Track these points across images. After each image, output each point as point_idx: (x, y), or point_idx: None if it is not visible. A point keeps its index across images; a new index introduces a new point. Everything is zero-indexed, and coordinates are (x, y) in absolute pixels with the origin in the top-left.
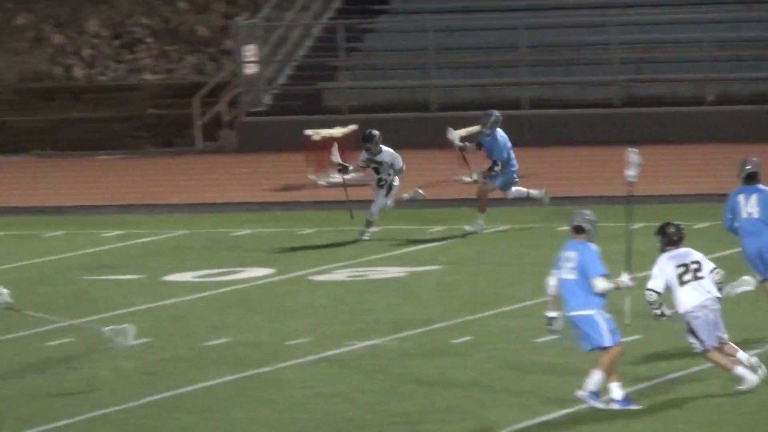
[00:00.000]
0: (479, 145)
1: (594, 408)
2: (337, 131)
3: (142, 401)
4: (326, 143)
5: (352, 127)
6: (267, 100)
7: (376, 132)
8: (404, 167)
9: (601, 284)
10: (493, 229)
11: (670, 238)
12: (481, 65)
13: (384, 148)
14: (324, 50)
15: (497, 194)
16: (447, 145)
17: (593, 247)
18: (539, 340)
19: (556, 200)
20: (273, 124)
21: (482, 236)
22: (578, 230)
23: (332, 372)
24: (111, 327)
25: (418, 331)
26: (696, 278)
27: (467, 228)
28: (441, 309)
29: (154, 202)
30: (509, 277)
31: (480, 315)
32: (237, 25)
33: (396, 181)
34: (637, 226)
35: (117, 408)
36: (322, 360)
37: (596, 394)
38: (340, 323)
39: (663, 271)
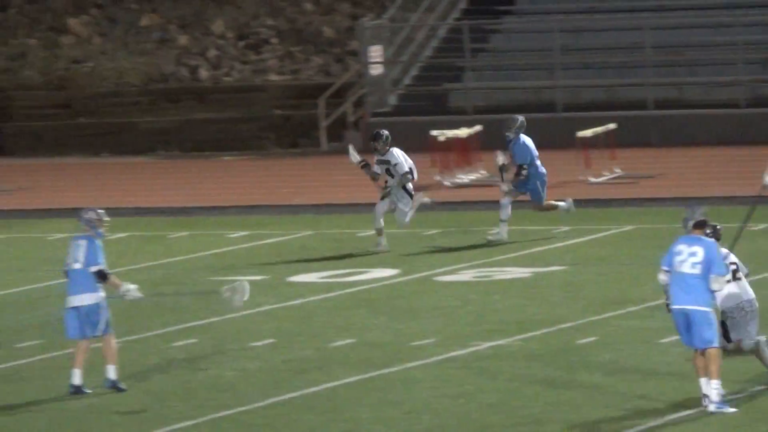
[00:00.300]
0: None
1: (720, 411)
2: (463, 132)
3: (267, 402)
4: (451, 144)
5: (478, 128)
6: (392, 100)
7: (385, 132)
8: (413, 173)
9: (719, 283)
10: (618, 230)
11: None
12: (606, 66)
13: (394, 150)
14: (449, 51)
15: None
16: (572, 145)
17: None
18: (663, 340)
19: (682, 201)
20: (398, 125)
21: (608, 237)
22: (701, 225)
23: (457, 372)
24: (228, 286)
25: (543, 331)
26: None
27: (489, 236)
28: (566, 309)
29: (279, 203)
30: (634, 277)
31: (605, 315)
32: (363, 26)
33: (410, 187)
34: (761, 227)
35: (242, 409)
36: (446, 360)
37: (723, 402)
38: (465, 324)
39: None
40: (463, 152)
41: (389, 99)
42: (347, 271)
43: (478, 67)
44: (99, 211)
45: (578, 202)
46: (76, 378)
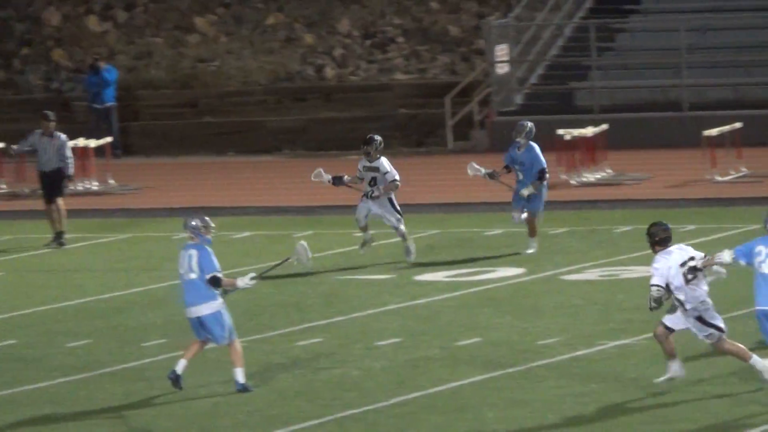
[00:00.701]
0: (510, 164)
1: None
2: (588, 131)
3: (392, 401)
4: (577, 143)
5: (604, 127)
6: (518, 99)
7: (378, 137)
8: (399, 182)
9: None
10: (744, 229)
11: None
12: (732, 64)
13: (383, 158)
14: (575, 50)
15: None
16: (698, 144)
17: None
18: None
19: None
20: None
21: (733, 236)
22: None
23: (582, 372)
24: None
25: None
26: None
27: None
28: None
29: (405, 202)
30: None
31: (731, 314)
32: (489, 25)
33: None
34: None
35: (366, 408)
36: (572, 360)
37: None
38: (590, 323)
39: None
40: (588, 151)
41: (515, 98)
42: (473, 270)
43: (604, 66)
44: (205, 218)
45: (704, 201)
46: (180, 367)
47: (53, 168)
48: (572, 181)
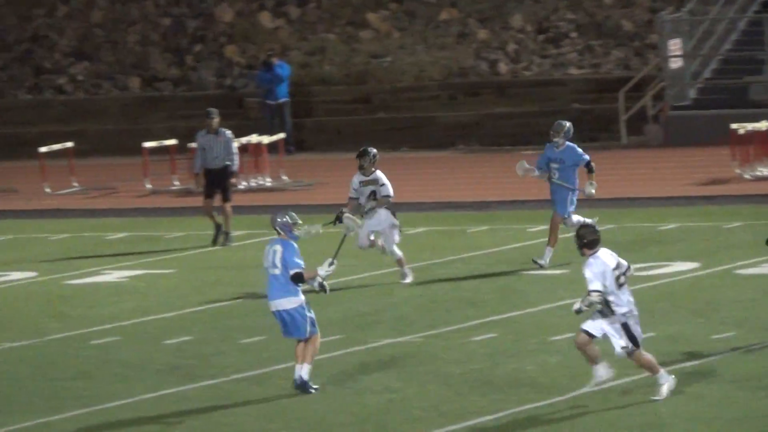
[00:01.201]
0: (544, 166)
1: None
2: (763, 125)
3: (567, 396)
4: (752, 137)
5: None
6: (692, 94)
7: (372, 150)
8: (392, 197)
9: None
10: None
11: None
12: None
13: (378, 171)
14: (749, 44)
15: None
16: None
17: None
18: None
19: None
20: (698, 118)
21: None
22: None
23: (757, 366)
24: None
25: None
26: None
27: (539, 262)
28: None
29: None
30: None
31: None
32: (662, 19)
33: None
34: None
35: (541, 404)
36: (747, 353)
37: None
38: (766, 317)
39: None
40: (763, 145)
41: (689, 92)
42: (648, 264)
43: None
44: (293, 214)
45: None
46: (304, 372)
47: (220, 165)
48: (746, 176)
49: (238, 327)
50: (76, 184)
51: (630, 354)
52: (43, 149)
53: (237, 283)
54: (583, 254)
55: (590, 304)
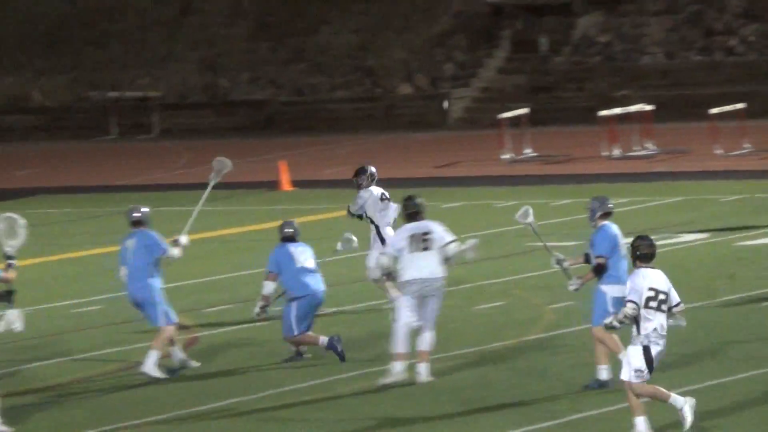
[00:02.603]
0: None
1: None
2: None
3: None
4: None
5: None
6: None
7: (370, 167)
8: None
9: None
10: None
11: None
12: None
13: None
14: None
15: None
16: None
17: None
18: None
19: None
20: None
21: None
22: None
23: None
24: None
25: None
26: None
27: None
28: None
29: None
30: None
31: None
32: None
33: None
34: None
35: None
36: None
37: None
38: None
39: None
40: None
41: None
42: None
43: None
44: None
45: None
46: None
47: None
48: None
49: None
50: (747, 145)
51: (638, 380)
52: (713, 110)
53: None
54: (635, 266)
55: (624, 316)
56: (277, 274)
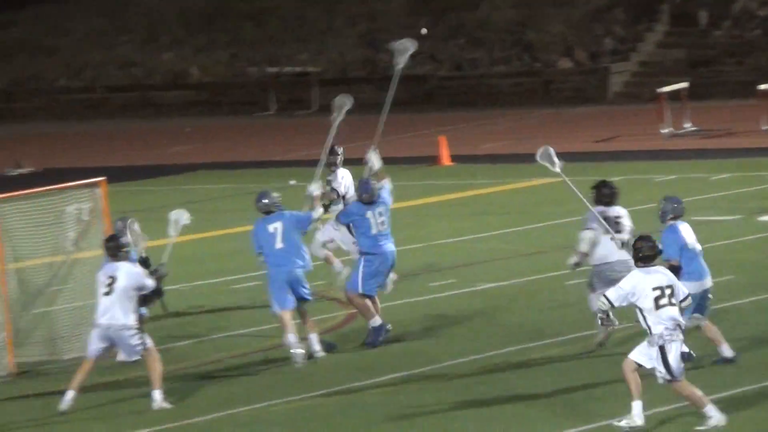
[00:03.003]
0: None
1: None
2: None
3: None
4: None
5: None
6: None
7: (341, 147)
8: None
9: None
10: None
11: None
12: None
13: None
14: None
15: None
16: None
17: None
18: None
19: None
20: None
21: None
22: None
23: None
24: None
25: None
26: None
27: None
28: None
29: None
30: None
31: None
32: None
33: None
34: None
35: None
36: None
37: None
38: None
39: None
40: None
41: None
42: None
43: None
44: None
45: None
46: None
47: None
48: None
49: None
50: None
51: (670, 383)
52: None
53: None
54: (637, 266)
55: (599, 310)
56: None
